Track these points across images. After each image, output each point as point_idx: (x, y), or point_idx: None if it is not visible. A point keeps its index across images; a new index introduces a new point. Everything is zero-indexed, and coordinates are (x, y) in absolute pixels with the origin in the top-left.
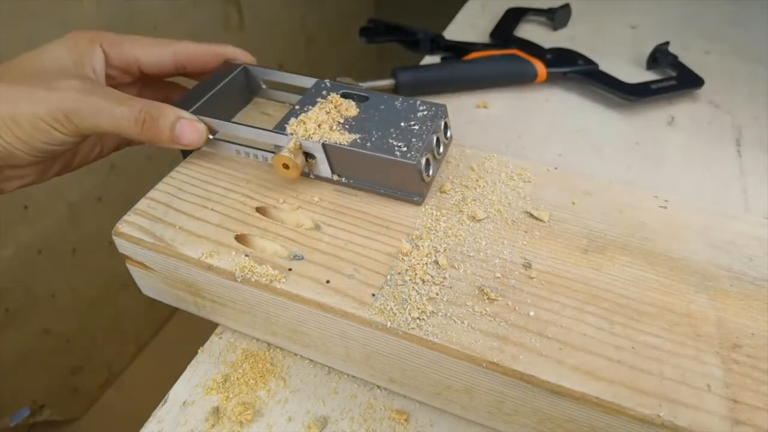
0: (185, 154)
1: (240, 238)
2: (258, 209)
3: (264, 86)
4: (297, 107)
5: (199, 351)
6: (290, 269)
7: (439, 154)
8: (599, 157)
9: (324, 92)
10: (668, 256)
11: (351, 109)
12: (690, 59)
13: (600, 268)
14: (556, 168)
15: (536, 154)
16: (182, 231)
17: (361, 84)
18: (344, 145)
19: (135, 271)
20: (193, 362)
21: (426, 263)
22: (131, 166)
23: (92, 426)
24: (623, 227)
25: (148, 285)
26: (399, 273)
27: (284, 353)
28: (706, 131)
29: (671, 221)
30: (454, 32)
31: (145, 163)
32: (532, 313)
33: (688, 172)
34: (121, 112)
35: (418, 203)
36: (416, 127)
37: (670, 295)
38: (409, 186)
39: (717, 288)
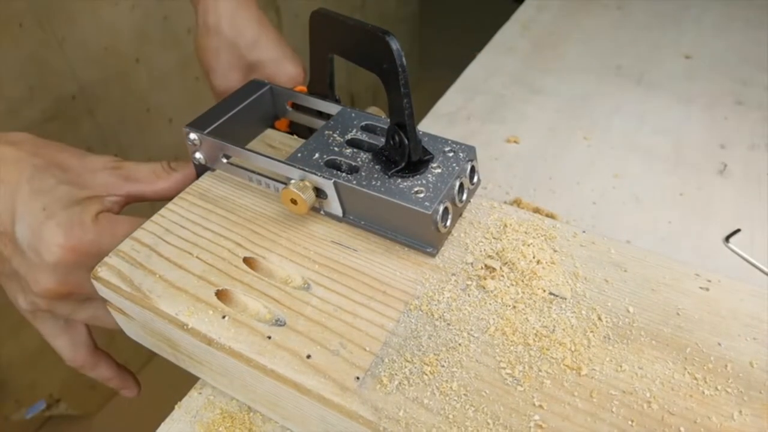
0: (199, 171)
1: (221, 295)
2: (246, 260)
3: (290, 109)
4: (312, 139)
5: (176, 406)
6: (269, 337)
7: (461, 201)
8: (637, 208)
9: (348, 121)
10: (706, 353)
11: None
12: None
13: (623, 364)
14: (584, 231)
15: (567, 202)
16: (162, 281)
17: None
18: (356, 185)
19: (115, 315)
20: (168, 419)
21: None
22: None
23: (106, 422)
24: (655, 312)
25: (130, 329)
26: (391, 351)
27: (265, 418)
28: (766, 183)
29: (713, 308)
30: (492, 52)
31: None
32: (537, 418)
33: (741, 233)
34: None
35: (432, 255)
36: (439, 169)
37: (705, 405)
38: (423, 236)
39: (763, 400)
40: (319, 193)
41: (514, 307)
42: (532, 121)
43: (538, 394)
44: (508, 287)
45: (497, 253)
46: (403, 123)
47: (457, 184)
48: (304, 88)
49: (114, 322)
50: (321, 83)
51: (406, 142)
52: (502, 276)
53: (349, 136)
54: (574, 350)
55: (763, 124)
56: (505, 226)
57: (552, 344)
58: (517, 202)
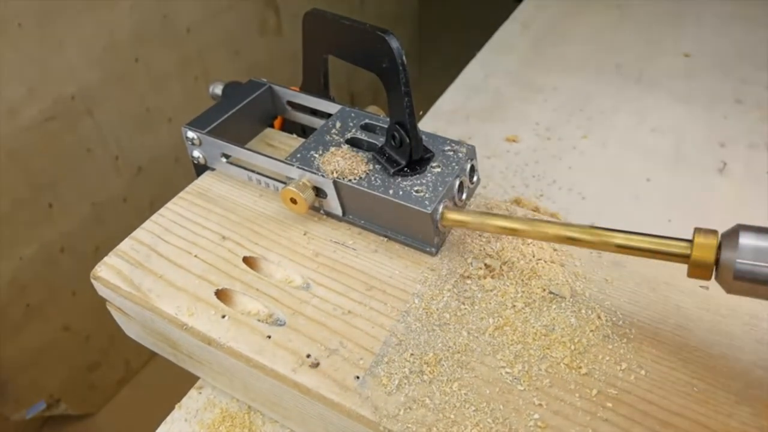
0: (198, 170)
1: (221, 294)
2: (246, 259)
3: (289, 108)
4: (312, 138)
5: (176, 407)
6: (269, 336)
7: (460, 200)
8: (637, 208)
9: (348, 120)
10: (706, 352)
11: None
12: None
13: (622, 362)
14: None
15: (566, 200)
16: (162, 280)
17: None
18: (356, 184)
19: (115, 315)
20: (168, 419)
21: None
22: (158, 168)
23: (106, 422)
24: (655, 310)
25: (130, 329)
26: (391, 351)
27: (265, 418)
28: (765, 181)
29: (713, 306)
30: (491, 51)
31: (173, 166)
32: (537, 416)
33: None
34: None
35: (432, 254)
36: (438, 168)
37: (705, 404)
38: (422, 235)
39: (763, 399)
40: (319, 192)
41: (514, 306)
42: (531, 120)
43: (538, 393)
44: (508, 286)
45: (497, 252)
46: (403, 122)
47: (457, 183)
48: (297, 89)
49: None
50: (315, 84)
51: (407, 140)
52: (502, 275)
53: (348, 136)
54: (573, 349)
55: (763, 123)
56: None
57: (552, 343)
58: (516, 201)
